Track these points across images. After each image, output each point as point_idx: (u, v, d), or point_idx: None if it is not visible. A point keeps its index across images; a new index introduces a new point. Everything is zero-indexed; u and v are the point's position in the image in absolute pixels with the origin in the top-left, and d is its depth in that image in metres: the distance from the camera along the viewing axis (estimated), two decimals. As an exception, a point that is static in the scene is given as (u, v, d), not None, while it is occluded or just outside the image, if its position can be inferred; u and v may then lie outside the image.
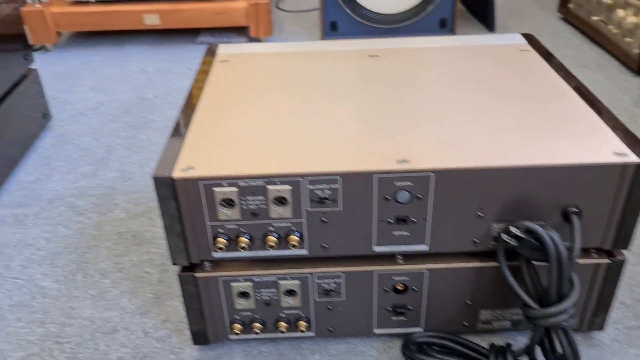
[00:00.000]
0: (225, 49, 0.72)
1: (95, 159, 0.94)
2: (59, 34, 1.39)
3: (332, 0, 1.37)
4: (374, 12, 1.38)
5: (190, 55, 1.37)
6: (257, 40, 1.42)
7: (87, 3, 1.36)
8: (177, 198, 0.48)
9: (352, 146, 0.50)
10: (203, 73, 0.66)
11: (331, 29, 1.42)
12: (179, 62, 1.33)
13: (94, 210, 0.81)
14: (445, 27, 1.41)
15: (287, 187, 0.48)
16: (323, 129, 0.53)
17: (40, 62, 1.32)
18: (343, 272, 0.53)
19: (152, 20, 1.36)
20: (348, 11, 1.38)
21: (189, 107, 0.58)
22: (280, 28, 1.52)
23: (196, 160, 0.49)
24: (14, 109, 0.91)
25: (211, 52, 0.72)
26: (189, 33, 1.48)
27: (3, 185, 0.87)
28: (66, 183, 0.88)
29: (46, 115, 1.03)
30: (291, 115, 0.56)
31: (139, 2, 1.36)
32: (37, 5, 1.32)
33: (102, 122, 1.07)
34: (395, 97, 0.58)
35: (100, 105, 1.13)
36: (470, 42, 0.71)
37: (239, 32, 1.47)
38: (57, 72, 1.29)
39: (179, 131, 0.54)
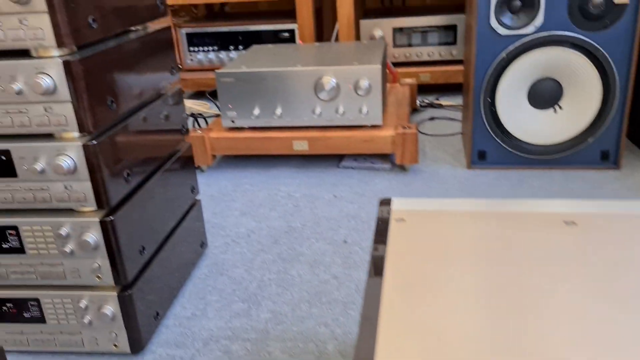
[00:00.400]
0: (400, 204, 0.69)
1: (248, 295, 0.93)
2: (214, 156, 1.48)
3: (481, 129, 1.33)
4: (527, 142, 1.31)
5: (334, 179, 1.38)
6: (401, 167, 1.41)
7: (242, 129, 1.44)
8: (372, 404, 0.43)
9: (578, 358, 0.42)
10: (380, 235, 0.62)
11: (479, 158, 1.37)
12: (324, 187, 1.34)
13: (248, 357, 0.79)
14: (607, 159, 1.30)
15: (504, 407, 0.41)
16: (542, 330, 0.46)
17: (196, 183, 1.40)
18: None
19: (300, 146, 1.41)
20: (498, 140, 1.33)
21: (375, 285, 0.54)
22: (423, 153, 1.50)
23: (394, 360, 0.44)
24: (179, 241, 0.94)
25: (384, 207, 0.69)
26: (333, 156, 1.51)
27: (162, 319, 0.88)
28: (220, 322, 0.87)
29: (203, 244, 1.06)
30: (494, 304, 0.49)
31: (289, 129, 1.42)
32: (199, 132, 1.43)
33: (253, 251, 1.07)
34: (615, 287, 0.50)
35: (252, 233, 1.15)
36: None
37: (382, 157, 1.47)
38: (210, 194, 1.35)
39: (369, 318, 0.49)
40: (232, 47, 2.09)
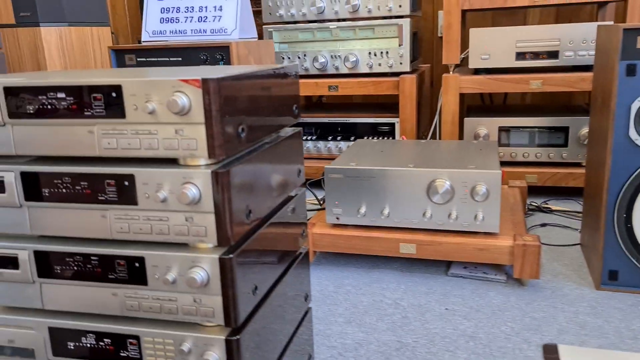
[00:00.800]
0: (569, 355, 0.59)
1: None
2: (314, 252, 1.43)
3: (613, 246, 1.20)
4: (670, 265, 1.17)
5: (443, 288, 1.28)
6: (518, 280, 1.29)
7: (346, 227, 1.39)
8: None
9: None
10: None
11: (610, 278, 1.23)
12: (433, 297, 1.24)
13: None
14: None
15: None
16: None
17: (296, 281, 1.34)
18: None
19: (408, 249, 1.33)
20: (634, 261, 1.19)
21: None
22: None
23: None
24: (290, 355, 0.87)
25: (549, 356, 0.59)
26: (440, 261, 1.41)
27: None
28: None
29: (310, 357, 0.98)
30: None
31: (396, 230, 1.35)
32: (303, 226, 1.39)
33: (363, 370, 0.98)
34: None
35: (359, 346, 1.06)
36: None
37: (495, 266, 1.36)
38: (312, 294, 1.29)
39: None
40: (330, 137, 2.10)
